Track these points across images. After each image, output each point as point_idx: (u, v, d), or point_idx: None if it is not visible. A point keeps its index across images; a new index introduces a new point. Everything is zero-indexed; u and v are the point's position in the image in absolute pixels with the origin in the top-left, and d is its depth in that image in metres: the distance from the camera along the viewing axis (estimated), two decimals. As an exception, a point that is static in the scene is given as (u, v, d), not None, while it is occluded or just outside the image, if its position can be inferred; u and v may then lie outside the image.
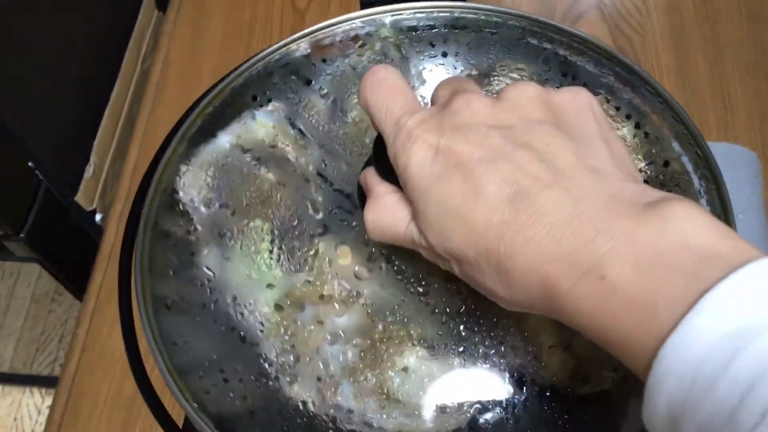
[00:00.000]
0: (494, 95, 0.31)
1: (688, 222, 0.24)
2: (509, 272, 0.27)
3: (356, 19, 0.45)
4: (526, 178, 0.27)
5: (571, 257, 0.25)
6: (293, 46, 0.45)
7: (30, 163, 0.60)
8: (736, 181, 0.53)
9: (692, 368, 0.22)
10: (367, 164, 0.36)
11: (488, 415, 0.37)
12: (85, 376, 0.57)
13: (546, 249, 0.26)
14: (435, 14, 0.47)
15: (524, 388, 0.38)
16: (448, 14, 0.46)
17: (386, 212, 0.32)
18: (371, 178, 0.34)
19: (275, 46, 0.44)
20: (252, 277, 0.40)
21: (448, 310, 0.38)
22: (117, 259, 0.62)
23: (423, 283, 0.38)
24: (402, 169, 0.30)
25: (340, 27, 0.45)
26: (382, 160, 0.32)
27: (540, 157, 0.28)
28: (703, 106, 0.66)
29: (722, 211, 0.38)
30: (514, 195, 0.27)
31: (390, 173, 0.32)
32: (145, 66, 0.74)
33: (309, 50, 0.45)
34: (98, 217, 0.67)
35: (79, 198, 0.65)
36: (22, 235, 0.60)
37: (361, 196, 0.36)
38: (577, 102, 0.30)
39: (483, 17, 0.46)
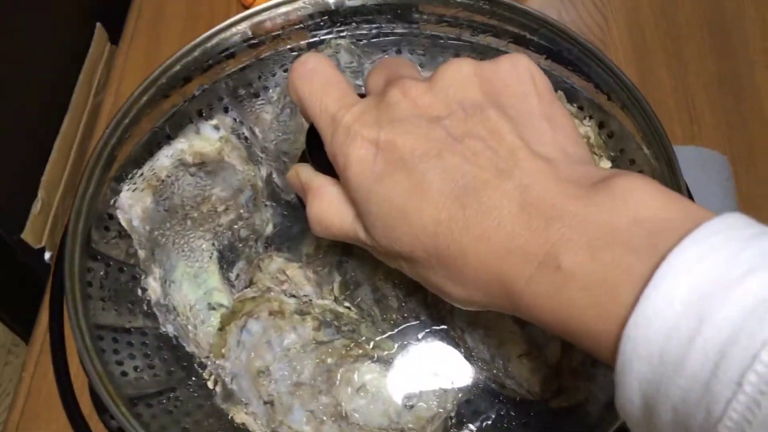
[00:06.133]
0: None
1: (636, 195, 0.23)
2: (462, 271, 0.25)
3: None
4: (472, 171, 0.25)
5: (524, 250, 0.24)
6: (232, 32, 0.42)
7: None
8: (707, 184, 0.51)
9: (659, 346, 0.20)
10: (301, 160, 0.34)
11: (456, 436, 0.34)
12: (30, 422, 0.53)
13: (498, 244, 0.24)
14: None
15: (494, 403, 0.35)
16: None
17: (330, 207, 0.29)
18: (305, 173, 0.31)
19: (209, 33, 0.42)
20: (196, 298, 0.37)
21: (406, 322, 0.35)
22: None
23: (379, 295, 0.35)
24: (342, 169, 0.28)
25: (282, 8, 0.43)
26: (317, 152, 0.30)
27: (484, 146, 0.26)
28: (668, 117, 0.64)
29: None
30: (460, 190, 0.25)
31: (327, 165, 0.29)
32: (98, 99, 0.72)
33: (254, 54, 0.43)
34: (47, 255, 0.64)
35: (26, 235, 0.61)
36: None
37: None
38: (517, 73, 0.28)
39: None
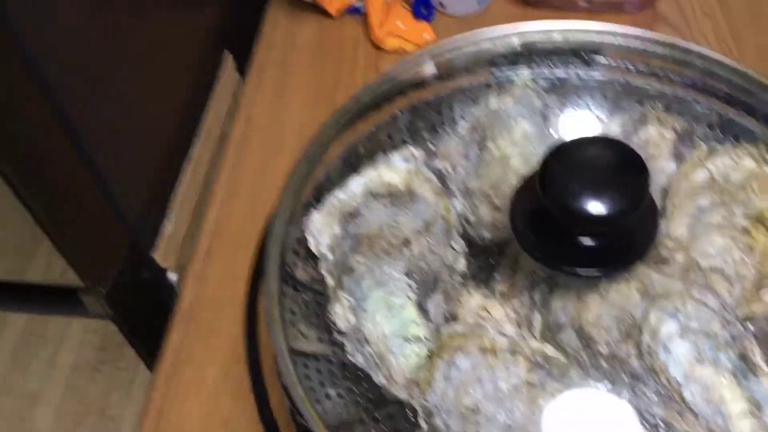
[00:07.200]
0: None
1: None
2: None
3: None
4: None
5: None
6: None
7: (114, 214, 0.58)
8: None
9: None
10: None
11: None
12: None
13: None
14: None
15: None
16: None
17: None
18: None
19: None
20: (391, 328, 0.36)
21: (618, 371, 0.34)
22: (195, 319, 0.58)
23: (586, 339, 0.34)
24: None
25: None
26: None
27: None
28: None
29: None
30: None
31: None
32: (227, 127, 0.73)
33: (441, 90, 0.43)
34: (172, 276, 0.64)
35: (157, 254, 0.62)
36: (102, 290, 0.56)
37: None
38: None
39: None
